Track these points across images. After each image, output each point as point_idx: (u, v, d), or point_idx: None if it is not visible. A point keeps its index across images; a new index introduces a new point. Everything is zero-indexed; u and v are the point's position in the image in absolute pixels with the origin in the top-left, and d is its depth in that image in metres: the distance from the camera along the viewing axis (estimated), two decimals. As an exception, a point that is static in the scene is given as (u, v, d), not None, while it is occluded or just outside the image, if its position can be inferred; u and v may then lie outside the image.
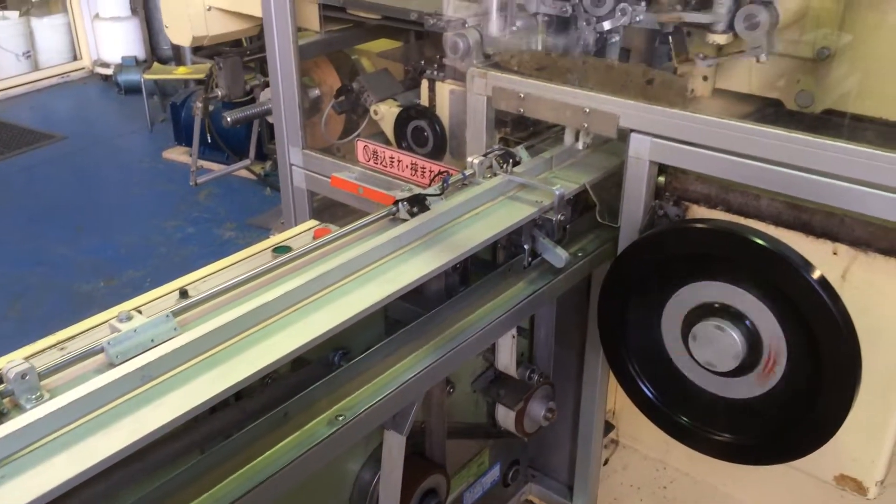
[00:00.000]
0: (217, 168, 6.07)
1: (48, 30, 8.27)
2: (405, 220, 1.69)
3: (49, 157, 6.76)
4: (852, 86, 1.90)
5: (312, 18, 2.49)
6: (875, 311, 1.57)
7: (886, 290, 1.55)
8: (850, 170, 1.49)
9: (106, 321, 1.43)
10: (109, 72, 8.16)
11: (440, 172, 1.94)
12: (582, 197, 1.97)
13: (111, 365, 1.25)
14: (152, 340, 1.29)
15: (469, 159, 1.89)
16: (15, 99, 8.01)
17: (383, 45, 2.83)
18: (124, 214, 5.84)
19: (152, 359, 1.24)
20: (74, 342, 1.45)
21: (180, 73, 6.76)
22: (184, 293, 1.58)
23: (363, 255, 1.55)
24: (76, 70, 8.48)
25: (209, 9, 2.80)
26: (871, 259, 1.55)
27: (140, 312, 1.38)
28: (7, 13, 8.04)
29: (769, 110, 2.05)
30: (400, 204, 1.71)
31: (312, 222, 2.05)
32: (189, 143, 5.38)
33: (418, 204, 1.71)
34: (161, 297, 1.64)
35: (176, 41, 2.94)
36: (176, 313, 1.38)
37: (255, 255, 1.87)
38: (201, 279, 1.74)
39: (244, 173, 5.82)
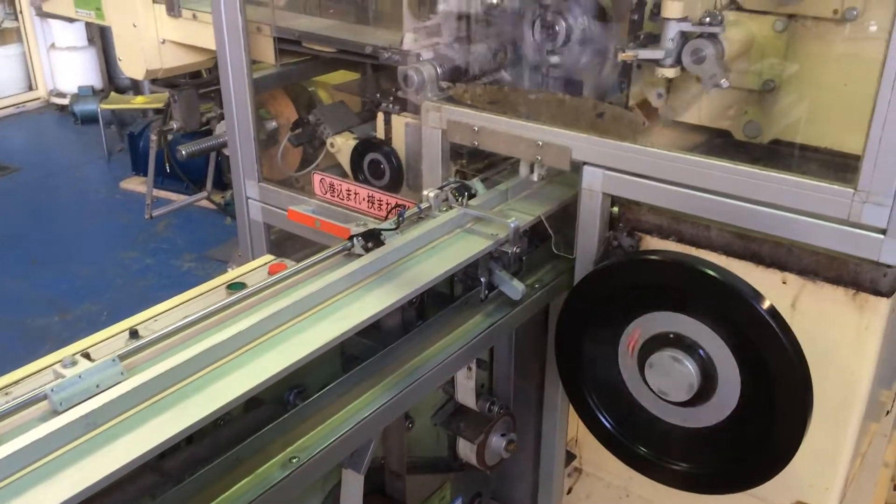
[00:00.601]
0: (176, 198, 6.00)
1: (2, 59, 8.15)
2: (360, 256, 1.69)
3: (3, 189, 6.63)
4: (797, 116, 1.95)
5: (267, 52, 2.48)
6: (825, 338, 1.60)
7: (835, 319, 1.58)
8: (793, 201, 1.53)
9: (54, 363, 1.40)
10: (66, 102, 8.06)
11: (396, 206, 1.94)
12: (538, 228, 1.98)
13: (55, 412, 1.21)
14: (98, 386, 1.26)
15: (425, 192, 1.89)
16: (-32, 130, 7.87)
17: (342, 76, 2.83)
18: (81, 246, 5.74)
19: (97, 405, 1.20)
20: (20, 387, 1.41)
21: (138, 102, 6.70)
22: (134, 333, 1.54)
23: (317, 292, 1.53)
24: (31, 100, 8.36)
25: (163, 42, 2.78)
26: (819, 288, 1.58)
27: (88, 356, 1.35)
28: (-40, 43, 7.92)
29: (718, 140, 2.09)
30: (355, 239, 1.70)
31: (268, 257, 2.03)
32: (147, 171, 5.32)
33: (373, 239, 1.70)
34: (111, 337, 1.60)
35: (129, 74, 2.91)
36: (124, 356, 1.35)
37: (209, 291, 1.84)
38: (153, 318, 1.71)
39: (203, 202, 5.77)
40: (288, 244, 2.73)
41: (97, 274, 5.37)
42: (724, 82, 1.79)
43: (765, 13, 1.89)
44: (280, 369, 1.36)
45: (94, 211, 6.31)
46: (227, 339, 1.38)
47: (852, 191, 1.45)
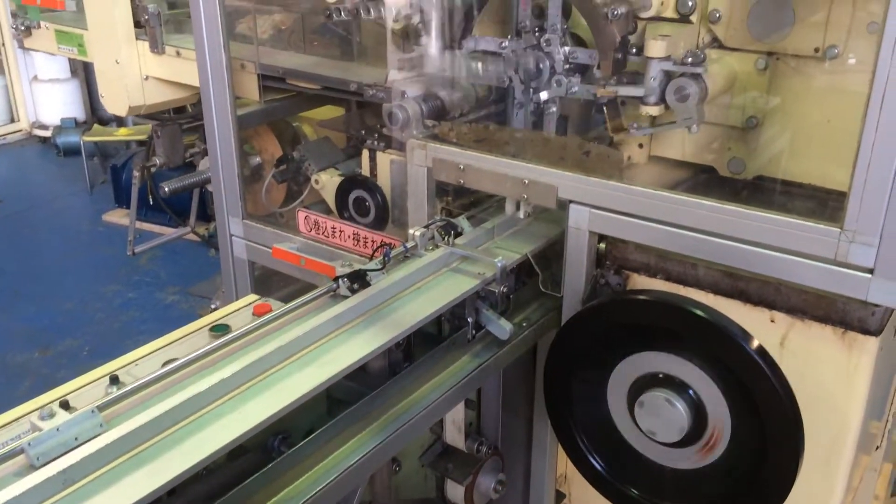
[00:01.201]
0: (159, 230, 5.97)
1: (-16, 92, 8.12)
2: (346, 297, 1.66)
3: (-17, 222, 6.57)
4: (781, 153, 1.96)
5: (252, 89, 2.47)
6: (814, 377, 1.59)
7: (824, 358, 1.57)
8: (779, 240, 1.52)
9: (32, 411, 1.37)
10: (48, 134, 8.02)
11: (382, 244, 1.92)
12: (525, 265, 1.97)
13: (32, 467, 1.18)
14: (76, 439, 1.22)
15: (411, 231, 1.88)
16: (-51, 162, 7.81)
17: (327, 111, 2.83)
18: (62, 280, 5.68)
19: (75, 460, 1.17)
20: (-4, 436, 1.38)
21: (121, 134, 6.67)
22: (114, 379, 1.52)
23: (302, 336, 1.51)
24: (13, 132, 8.32)
25: (146, 78, 2.77)
26: (808, 326, 1.57)
27: (67, 404, 1.32)
28: (-58, 75, 7.88)
29: (703, 176, 2.10)
30: (340, 280, 1.68)
31: (252, 297, 2.00)
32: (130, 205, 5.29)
33: (359, 280, 1.68)
34: (91, 383, 1.57)
35: (112, 111, 2.89)
36: (103, 407, 1.31)
37: (191, 333, 1.82)
38: (134, 362, 1.69)
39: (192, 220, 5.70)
40: (273, 280, 2.70)
41: (79, 308, 5.31)
42: (694, 128, 1.81)
43: (746, 51, 1.91)
44: (265, 418, 1.33)
45: (77, 244, 6.26)
46: (210, 387, 1.35)
47: (839, 230, 1.45)
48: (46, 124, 8.14)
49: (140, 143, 6.65)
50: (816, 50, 1.81)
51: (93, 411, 1.27)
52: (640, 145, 2.13)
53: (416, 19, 2.17)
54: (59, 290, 5.53)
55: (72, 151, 7.51)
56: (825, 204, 1.81)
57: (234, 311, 1.92)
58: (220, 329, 1.77)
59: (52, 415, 1.25)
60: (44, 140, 8.19)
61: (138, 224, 5.86)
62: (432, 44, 2.17)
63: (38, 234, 6.48)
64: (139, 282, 5.64)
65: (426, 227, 1.90)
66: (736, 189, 2.01)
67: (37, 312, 5.25)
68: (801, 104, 1.89)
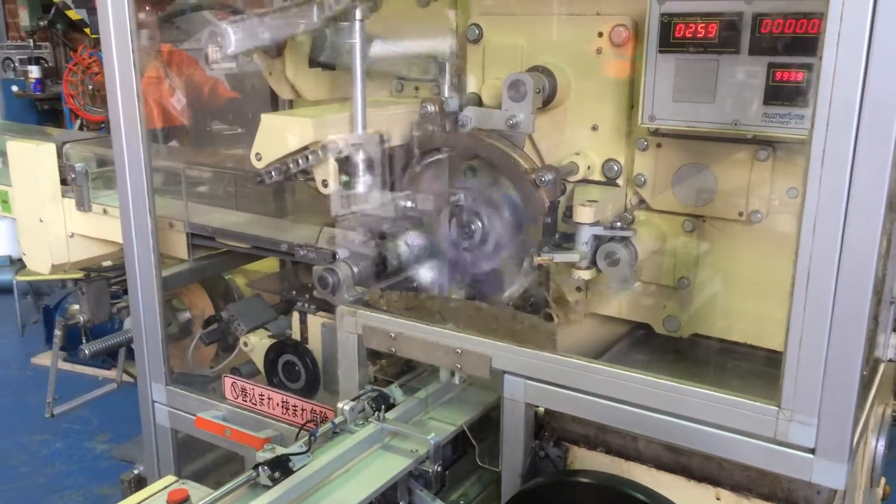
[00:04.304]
0: (91, 372, 5.75)
1: (-86, 229, 7.87)
2: (267, 488, 1.54)
3: None
4: (714, 313, 1.94)
5: (180, 247, 2.41)
6: (765, 560, 1.51)
7: (773, 539, 1.50)
8: (718, 417, 1.47)
9: None
10: (-21, 272, 7.76)
11: (309, 421, 1.82)
12: (461, 435, 1.88)
13: None
14: None
15: (339, 405, 1.79)
16: None
17: (264, 264, 2.76)
18: (-16, 430, 5.34)
19: None
20: None
21: (56, 273, 6.48)
22: None
23: (214, 541, 1.38)
24: (-58, 270, 8.01)
25: (72, 235, 2.68)
26: (754, 506, 1.51)
27: None
28: None
29: (640, 333, 2.07)
30: (260, 468, 1.57)
31: (168, 479, 1.86)
32: (62, 348, 5.06)
33: (281, 467, 1.57)
34: None
35: (34, 269, 2.79)
36: None
37: (98, 527, 1.66)
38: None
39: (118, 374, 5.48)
40: (197, 443, 2.54)
41: (0, 461, 4.96)
42: (636, 285, 1.79)
43: (673, 213, 1.92)
44: None
45: (2, 389, 5.93)
46: None
47: (776, 409, 1.41)
48: (-22, 263, 7.89)
49: (75, 280, 6.46)
50: (740, 214, 1.82)
51: None
52: (576, 302, 2.10)
53: (348, 176, 2.15)
54: (-21, 443, 5.19)
55: (4, 290, 7.25)
56: (767, 363, 1.77)
57: (147, 497, 1.77)
58: (128, 523, 1.63)
59: None
60: (-25, 278, 7.90)
61: (67, 367, 5.61)
62: (365, 205, 2.14)
63: (-41, 380, 6.15)
64: (68, 430, 5.34)
65: (356, 399, 1.81)
66: (672, 348, 1.98)
67: (-48, 468, 4.89)
68: (731, 265, 1.89)
